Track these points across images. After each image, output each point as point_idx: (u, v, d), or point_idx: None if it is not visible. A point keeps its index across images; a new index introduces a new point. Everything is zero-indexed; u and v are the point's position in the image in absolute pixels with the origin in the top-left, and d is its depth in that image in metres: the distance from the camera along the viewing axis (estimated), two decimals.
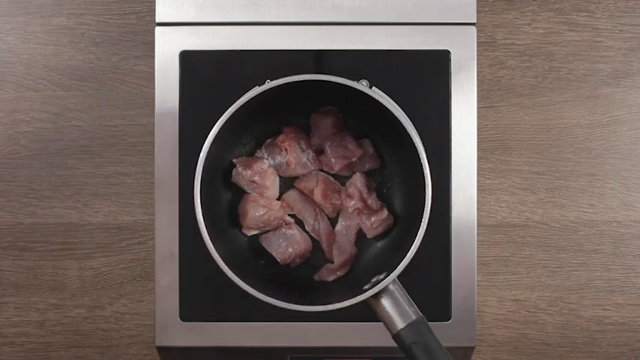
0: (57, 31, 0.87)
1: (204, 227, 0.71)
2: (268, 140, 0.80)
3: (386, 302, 0.69)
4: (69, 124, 0.87)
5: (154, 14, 0.80)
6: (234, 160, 0.79)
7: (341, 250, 0.79)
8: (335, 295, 0.72)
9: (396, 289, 0.70)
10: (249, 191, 0.79)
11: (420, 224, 0.70)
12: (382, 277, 0.70)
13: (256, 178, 0.78)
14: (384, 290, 0.69)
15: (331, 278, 0.79)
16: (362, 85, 0.72)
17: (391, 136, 0.79)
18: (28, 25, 0.87)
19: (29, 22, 0.87)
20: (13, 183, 0.87)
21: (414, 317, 0.68)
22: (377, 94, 0.72)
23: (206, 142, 0.71)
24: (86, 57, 0.87)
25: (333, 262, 0.79)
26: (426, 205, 0.71)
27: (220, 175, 0.80)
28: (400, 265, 0.69)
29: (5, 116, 0.87)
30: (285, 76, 0.71)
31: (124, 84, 0.87)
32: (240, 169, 0.78)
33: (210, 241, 0.71)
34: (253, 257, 0.80)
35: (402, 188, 0.80)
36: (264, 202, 0.78)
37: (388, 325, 0.69)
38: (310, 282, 0.80)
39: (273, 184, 0.79)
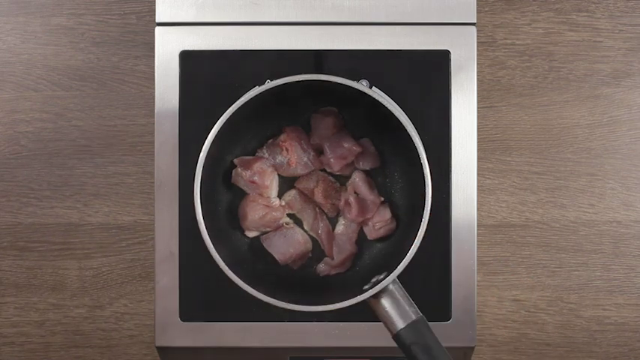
0: (57, 31, 0.87)
1: (204, 227, 0.71)
2: (270, 140, 0.80)
3: (386, 302, 0.69)
4: (69, 124, 0.87)
5: (154, 14, 0.80)
6: (234, 161, 0.79)
7: (340, 249, 0.79)
8: (335, 295, 0.72)
9: (396, 289, 0.69)
10: (248, 192, 0.79)
11: (420, 224, 0.70)
12: (382, 277, 0.70)
13: (256, 178, 0.78)
14: (384, 290, 0.69)
15: (331, 272, 0.79)
16: (362, 85, 0.72)
17: (391, 137, 0.79)
18: (28, 25, 0.87)
19: (29, 22, 0.87)
20: (13, 183, 0.87)
21: (413, 317, 0.68)
22: (377, 94, 0.72)
23: (206, 142, 0.71)
24: (86, 57, 0.87)
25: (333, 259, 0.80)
26: (426, 205, 0.71)
27: (220, 175, 0.80)
28: (400, 265, 0.69)
29: (5, 116, 0.87)
30: (285, 76, 0.71)
31: (124, 84, 0.87)
32: (239, 169, 0.78)
33: (210, 242, 0.71)
34: (253, 257, 0.80)
35: (403, 188, 0.80)
36: (263, 203, 0.78)
37: (388, 325, 0.69)
38: (310, 282, 0.80)
39: (272, 184, 0.79)
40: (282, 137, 0.79)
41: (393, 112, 0.71)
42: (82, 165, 0.87)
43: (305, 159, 0.79)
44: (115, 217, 0.87)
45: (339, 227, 0.80)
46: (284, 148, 0.79)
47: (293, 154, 0.79)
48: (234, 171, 0.79)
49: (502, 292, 0.88)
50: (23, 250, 0.87)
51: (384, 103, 0.71)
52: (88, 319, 0.87)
